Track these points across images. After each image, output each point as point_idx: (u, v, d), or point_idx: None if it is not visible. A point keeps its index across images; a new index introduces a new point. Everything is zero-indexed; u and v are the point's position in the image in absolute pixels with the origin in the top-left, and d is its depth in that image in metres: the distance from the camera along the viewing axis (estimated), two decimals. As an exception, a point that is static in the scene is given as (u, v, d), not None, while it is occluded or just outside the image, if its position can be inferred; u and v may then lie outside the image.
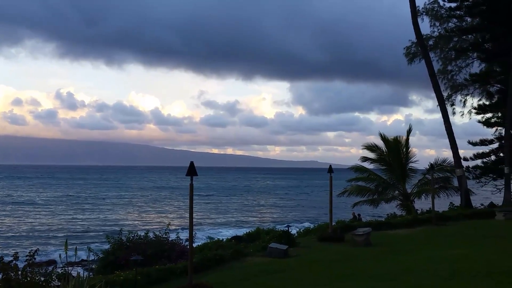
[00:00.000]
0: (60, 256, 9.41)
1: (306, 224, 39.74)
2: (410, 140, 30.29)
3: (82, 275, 9.80)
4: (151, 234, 15.47)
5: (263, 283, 11.26)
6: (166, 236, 15.57)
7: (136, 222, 51.49)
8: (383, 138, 30.86)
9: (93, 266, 15.45)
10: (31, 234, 42.03)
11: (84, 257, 27.10)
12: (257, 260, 14.38)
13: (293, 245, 16.54)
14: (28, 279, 9.19)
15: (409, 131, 30.48)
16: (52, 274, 10.22)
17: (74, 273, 10.15)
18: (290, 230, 17.78)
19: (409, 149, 30.37)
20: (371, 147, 31.07)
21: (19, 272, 9.12)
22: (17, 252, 9.88)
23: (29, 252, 9.68)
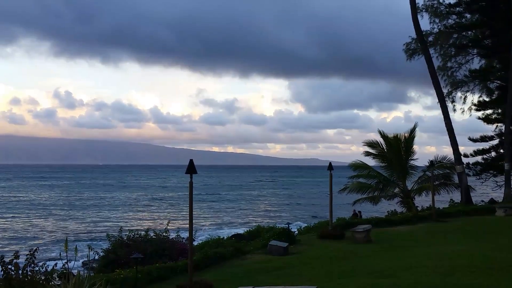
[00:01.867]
0: (60, 255, 9.41)
1: (306, 222, 39.73)
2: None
3: (82, 274, 9.82)
4: (151, 233, 15.49)
5: (263, 280, 11.28)
6: (166, 234, 15.61)
7: (137, 221, 51.52)
8: (382, 135, 30.82)
9: (94, 265, 15.47)
10: (31, 233, 42.05)
11: (85, 256, 27.11)
12: (258, 258, 14.42)
13: (293, 242, 16.58)
14: (29, 278, 9.22)
15: (413, 129, 30.22)
16: (53, 273, 10.23)
17: (74, 272, 10.15)
18: (290, 228, 17.82)
19: (412, 146, 30.29)
20: (372, 144, 31.02)
21: (20, 271, 9.15)
22: (17, 251, 9.90)
23: (30, 251, 9.70)
